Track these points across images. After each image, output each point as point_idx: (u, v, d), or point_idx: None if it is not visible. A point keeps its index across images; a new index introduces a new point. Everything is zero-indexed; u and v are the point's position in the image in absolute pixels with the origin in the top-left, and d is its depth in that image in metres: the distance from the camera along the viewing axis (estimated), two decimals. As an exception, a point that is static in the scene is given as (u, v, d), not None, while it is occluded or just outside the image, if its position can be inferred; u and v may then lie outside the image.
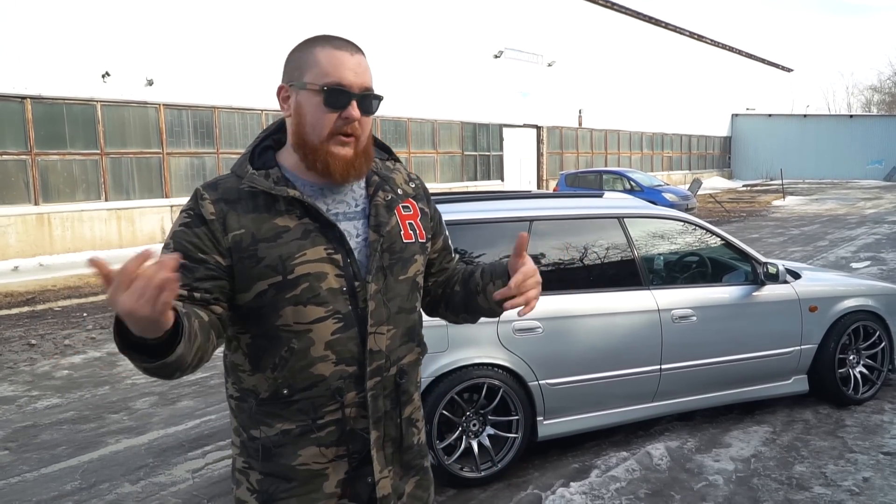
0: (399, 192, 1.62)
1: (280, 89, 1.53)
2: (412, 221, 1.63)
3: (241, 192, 1.48)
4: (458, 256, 1.89)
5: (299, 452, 1.49)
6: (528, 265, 1.54)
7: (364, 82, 1.49)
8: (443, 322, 3.72)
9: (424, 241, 1.65)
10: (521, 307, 1.52)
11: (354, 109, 1.47)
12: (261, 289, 1.45)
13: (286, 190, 1.46)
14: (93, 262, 1.09)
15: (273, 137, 1.60)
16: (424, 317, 1.76)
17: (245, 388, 1.52)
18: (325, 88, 1.45)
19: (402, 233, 1.59)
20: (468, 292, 1.71)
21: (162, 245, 1.48)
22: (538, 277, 1.54)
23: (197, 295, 1.40)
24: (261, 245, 1.44)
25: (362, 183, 1.60)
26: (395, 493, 1.58)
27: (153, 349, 1.21)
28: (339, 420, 1.50)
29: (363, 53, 1.53)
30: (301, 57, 1.50)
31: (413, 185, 1.69)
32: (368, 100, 1.50)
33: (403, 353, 1.59)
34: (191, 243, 1.42)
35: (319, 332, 1.46)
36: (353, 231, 1.53)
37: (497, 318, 1.70)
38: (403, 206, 1.62)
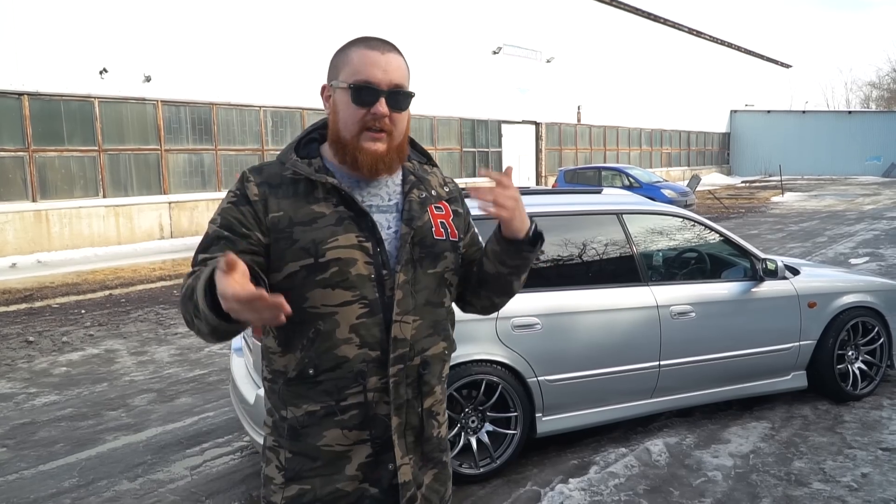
0: (433, 193, 1.69)
1: (323, 89, 1.64)
2: (444, 220, 1.68)
3: (283, 177, 1.58)
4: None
5: (324, 433, 1.56)
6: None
7: (393, 79, 1.55)
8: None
9: (456, 239, 1.69)
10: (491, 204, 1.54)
11: (382, 106, 1.53)
12: (292, 269, 1.52)
13: (325, 178, 1.56)
14: (229, 261, 1.21)
15: (319, 132, 1.68)
16: None
17: (276, 369, 1.60)
18: (353, 86, 1.54)
19: (433, 229, 1.64)
20: (480, 264, 1.75)
21: (208, 222, 1.61)
22: (514, 193, 1.57)
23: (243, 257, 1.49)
24: (297, 228, 1.53)
25: (398, 180, 1.67)
26: (414, 482, 1.62)
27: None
28: (361, 403, 1.55)
29: (398, 52, 1.60)
30: (339, 58, 1.60)
31: (447, 189, 1.76)
32: (398, 96, 1.56)
33: (428, 344, 1.63)
34: (236, 219, 1.53)
35: (345, 315, 1.52)
36: (384, 223, 1.60)
37: (513, 279, 1.72)
38: (436, 207, 1.68)
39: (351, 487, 1.57)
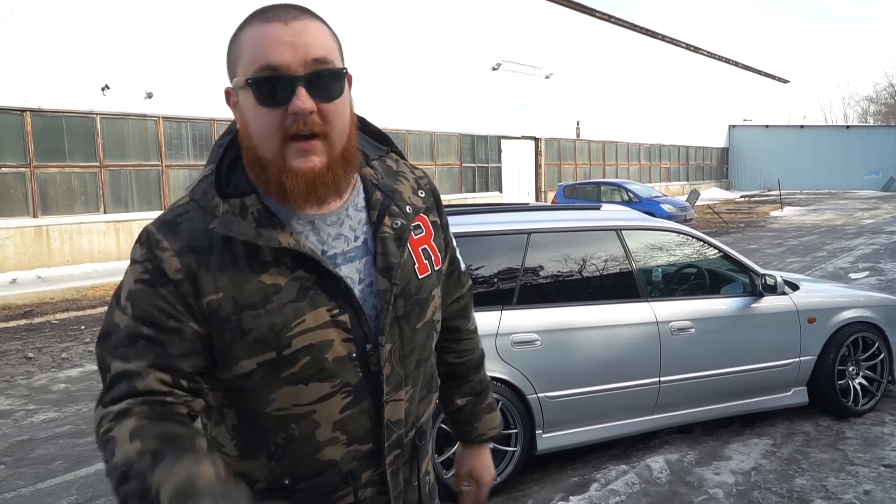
0: (408, 209, 1.26)
1: (227, 95, 1.18)
2: (426, 246, 1.30)
3: (212, 236, 1.11)
4: (469, 286, 1.59)
5: None
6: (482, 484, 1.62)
7: (309, 55, 1.08)
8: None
9: (440, 266, 1.34)
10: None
11: (302, 99, 1.07)
12: (248, 368, 1.14)
13: (275, 236, 1.11)
14: None
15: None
16: None
17: (238, 471, 1.20)
18: (253, 80, 1.08)
19: (416, 267, 1.26)
20: (443, 394, 1.58)
21: (110, 302, 1.14)
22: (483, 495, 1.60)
23: (184, 383, 1.10)
24: (246, 314, 1.11)
25: (361, 202, 1.24)
26: None
27: None
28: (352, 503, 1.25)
29: (309, 14, 1.12)
30: (232, 48, 1.14)
31: (423, 195, 1.32)
32: (323, 79, 1.09)
33: (423, 409, 1.32)
34: (157, 308, 1.09)
35: (325, 411, 1.17)
36: (355, 276, 1.20)
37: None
38: (415, 227, 1.28)
39: None
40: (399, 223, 1.23)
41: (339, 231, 1.20)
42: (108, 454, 1.02)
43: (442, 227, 1.39)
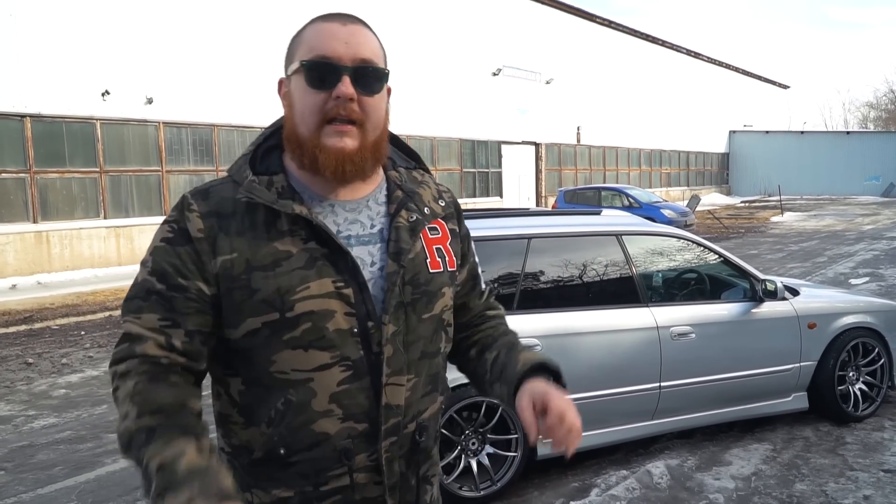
0: (426, 210, 1.36)
1: (279, 85, 1.32)
2: (440, 246, 1.36)
3: (236, 203, 1.23)
4: (487, 292, 1.60)
5: None
6: (556, 402, 1.26)
7: (359, 53, 1.22)
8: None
9: (454, 269, 1.39)
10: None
11: (346, 85, 1.20)
12: (252, 326, 1.21)
13: (291, 205, 1.22)
14: None
15: (281, 135, 1.32)
16: None
17: (237, 444, 1.28)
18: (306, 63, 1.22)
19: (428, 261, 1.32)
20: (476, 373, 1.49)
21: (140, 262, 1.27)
22: (571, 416, 1.25)
23: (177, 343, 1.20)
24: (255, 274, 1.20)
25: (382, 198, 1.34)
26: None
27: None
28: (346, 487, 1.26)
29: (365, 25, 1.27)
30: (293, 42, 1.28)
31: (443, 203, 1.41)
32: (367, 75, 1.23)
33: (425, 405, 1.33)
34: (171, 265, 1.21)
35: (323, 381, 1.22)
36: (367, 258, 1.27)
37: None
38: (430, 229, 1.36)
39: None
40: (414, 217, 1.33)
41: (356, 217, 1.29)
42: (119, 415, 1.17)
43: (461, 237, 1.46)
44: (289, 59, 1.28)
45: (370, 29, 1.29)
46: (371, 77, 1.23)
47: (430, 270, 1.33)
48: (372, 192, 1.33)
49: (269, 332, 1.21)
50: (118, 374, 1.19)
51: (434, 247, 1.35)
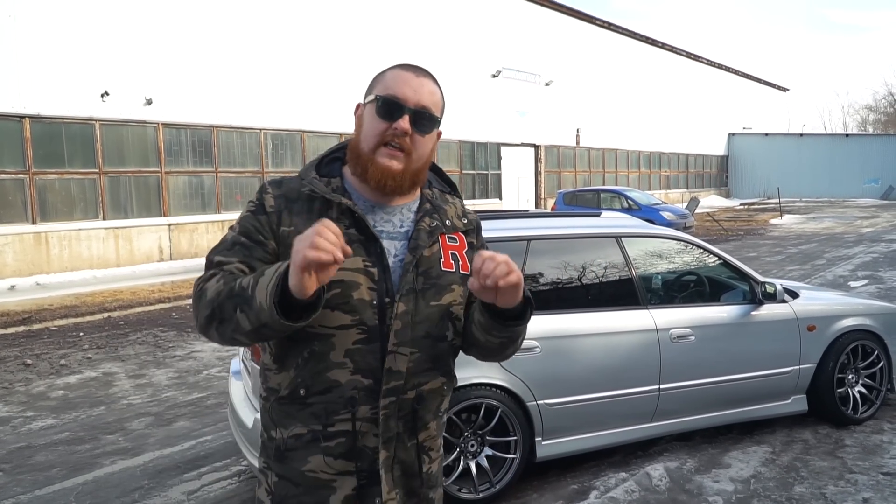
0: (447, 223, 1.65)
1: (356, 108, 1.64)
2: (455, 252, 1.64)
3: (300, 193, 1.59)
4: None
5: (308, 459, 1.54)
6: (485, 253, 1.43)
7: (421, 100, 1.54)
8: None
9: (467, 272, 1.62)
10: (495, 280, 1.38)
11: (404, 121, 1.52)
12: None
13: (340, 198, 1.55)
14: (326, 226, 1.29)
15: (344, 151, 1.67)
16: None
17: (270, 386, 1.60)
18: (380, 97, 1.54)
19: (441, 260, 1.60)
20: (468, 326, 1.65)
21: (228, 228, 1.64)
22: (504, 257, 1.40)
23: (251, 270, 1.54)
24: None
25: (414, 207, 1.64)
26: None
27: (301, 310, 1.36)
28: (348, 432, 1.52)
29: (435, 81, 1.61)
30: (376, 78, 1.61)
31: (465, 221, 1.71)
32: (423, 118, 1.55)
33: (425, 379, 1.58)
34: (253, 227, 1.57)
35: (341, 338, 1.50)
36: (392, 250, 1.57)
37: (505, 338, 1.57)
38: (450, 238, 1.64)
39: None
40: (434, 224, 1.62)
41: (389, 218, 1.61)
42: (201, 300, 1.48)
43: (477, 249, 1.70)
44: (368, 91, 1.59)
45: (437, 83, 1.61)
46: (426, 120, 1.55)
47: (443, 268, 1.60)
48: (407, 203, 1.63)
49: None
50: (205, 278, 1.51)
51: (450, 251, 1.63)
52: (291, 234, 1.51)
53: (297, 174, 1.66)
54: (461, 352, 1.71)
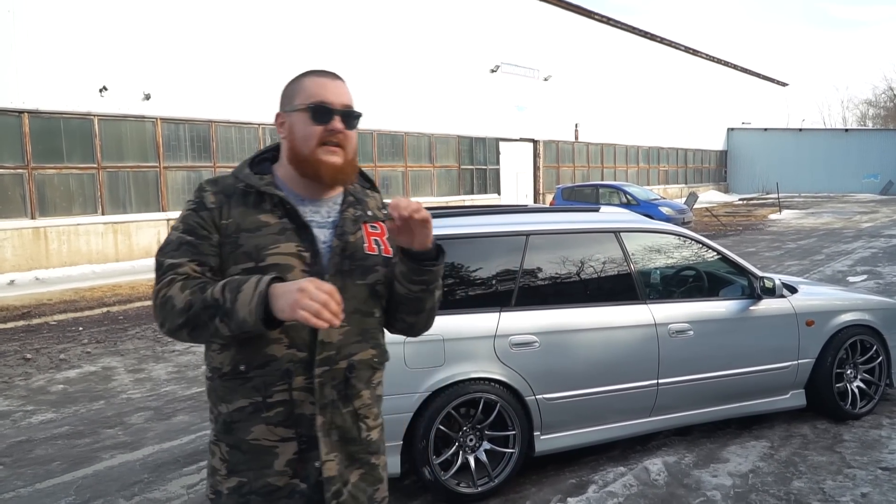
0: (369, 213, 1.86)
1: (277, 117, 1.81)
2: (378, 238, 1.83)
3: (236, 189, 1.76)
4: None
5: (252, 429, 1.70)
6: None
7: (345, 101, 1.76)
8: (439, 337, 3.73)
9: (389, 256, 1.83)
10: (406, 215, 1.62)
11: (338, 122, 1.73)
12: (235, 272, 1.68)
13: (273, 190, 1.74)
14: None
15: (272, 153, 1.88)
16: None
17: (214, 366, 1.75)
18: (311, 106, 1.73)
19: (365, 245, 1.80)
20: (393, 288, 1.84)
21: (171, 229, 1.77)
22: (410, 202, 1.63)
23: (205, 270, 1.69)
24: (242, 234, 1.70)
25: (339, 200, 1.84)
26: (340, 478, 1.75)
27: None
28: (286, 401, 1.69)
29: (343, 81, 1.83)
30: (292, 88, 1.80)
31: (384, 213, 1.88)
32: (350, 116, 1.77)
33: (356, 350, 1.77)
34: (197, 223, 1.71)
35: None
36: (321, 237, 1.76)
37: (418, 282, 1.78)
38: (372, 226, 1.84)
39: (282, 482, 1.71)
40: (358, 213, 1.83)
41: (317, 209, 1.80)
42: (169, 308, 1.61)
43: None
44: (287, 100, 1.78)
45: (345, 83, 1.82)
46: (352, 117, 1.77)
47: (366, 251, 1.80)
48: (332, 196, 1.83)
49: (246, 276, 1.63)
50: (164, 284, 1.64)
51: (372, 237, 1.82)
52: (231, 226, 1.71)
53: (229, 173, 1.83)
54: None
